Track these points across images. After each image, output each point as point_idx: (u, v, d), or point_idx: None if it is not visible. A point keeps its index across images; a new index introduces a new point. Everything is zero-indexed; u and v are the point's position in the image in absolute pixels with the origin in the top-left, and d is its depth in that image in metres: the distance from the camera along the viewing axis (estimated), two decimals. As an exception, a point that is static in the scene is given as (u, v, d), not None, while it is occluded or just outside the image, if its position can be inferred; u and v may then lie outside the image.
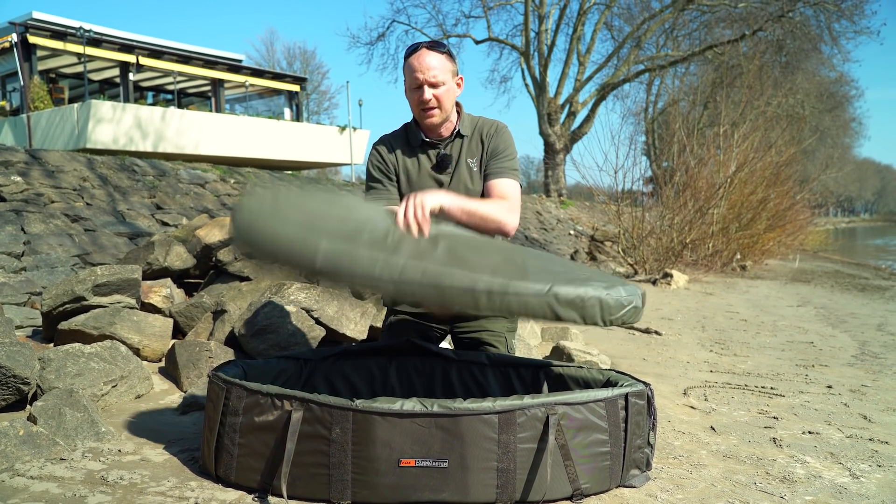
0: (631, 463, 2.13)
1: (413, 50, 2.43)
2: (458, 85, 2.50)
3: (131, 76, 18.51)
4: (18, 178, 8.17)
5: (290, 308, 3.45)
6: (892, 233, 53.25)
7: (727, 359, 4.66)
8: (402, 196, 2.53)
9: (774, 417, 3.14)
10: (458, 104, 2.57)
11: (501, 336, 2.67)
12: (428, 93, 2.40)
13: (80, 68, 17.76)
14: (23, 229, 7.25)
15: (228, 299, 3.89)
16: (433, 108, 2.43)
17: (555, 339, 4.75)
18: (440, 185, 2.53)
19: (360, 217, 2.21)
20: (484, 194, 2.53)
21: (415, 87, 2.42)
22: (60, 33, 16.76)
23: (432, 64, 2.38)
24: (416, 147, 2.56)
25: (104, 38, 17.75)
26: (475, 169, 2.54)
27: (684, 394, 3.58)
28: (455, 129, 2.54)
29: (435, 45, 2.42)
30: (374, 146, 2.61)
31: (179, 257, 4.60)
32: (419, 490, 1.90)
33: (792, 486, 2.26)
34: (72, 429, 2.32)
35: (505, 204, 2.45)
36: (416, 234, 2.12)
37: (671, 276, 9.52)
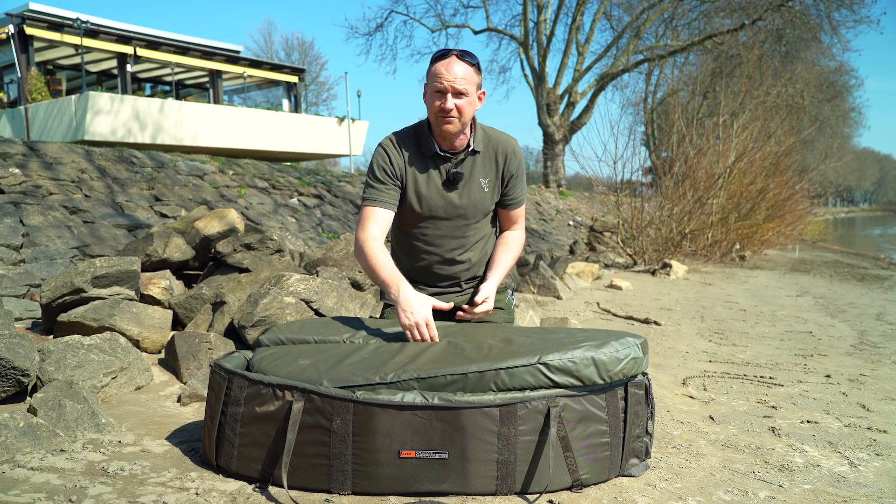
0: (630, 452, 2.13)
1: (442, 55, 2.36)
2: (480, 99, 2.44)
3: (129, 67, 18.44)
4: (17, 171, 8.15)
5: (289, 299, 3.45)
6: (891, 222, 53.27)
7: (726, 349, 4.67)
8: (403, 197, 2.50)
9: (773, 407, 3.14)
10: (473, 118, 2.50)
11: None
12: (451, 101, 2.34)
13: (77, 60, 17.69)
14: (21, 221, 7.24)
15: (228, 291, 3.89)
16: (453, 117, 2.36)
17: (554, 329, 4.75)
18: (448, 201, 2.51)
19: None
20: (497, 215, 2.68)
21: (437, 92, 2.36)
22: (57, 24, 16.68)
23: (460, 73, 2.33)
24: (428, 157, 2.49)
25: (101, 29, 17.68)
26: (487, 190, 2.53)
27: (683, 384, 3.59)
28: (468, 143, 2.49)
29: (465, 55, 2.36)
30: (384, 145, 2.52)
31: (178, 249, 4.60)
32: (419, 481, 1.91)
33: (790, 475, 2.27)
34: (72, 420, 2.33)
35: (518, 234, 2.68)
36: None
37: (670, 266, 9.52)
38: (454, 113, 2.36)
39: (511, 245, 2.64)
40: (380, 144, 2.53)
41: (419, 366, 2.01)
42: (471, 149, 2.49)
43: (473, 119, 2.50)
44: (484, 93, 2.46)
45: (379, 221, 2.45)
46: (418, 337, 2.22)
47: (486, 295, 2.48)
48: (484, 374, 1.97)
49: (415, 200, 2.50)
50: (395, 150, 2.49)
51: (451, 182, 2.49)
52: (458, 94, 2.34)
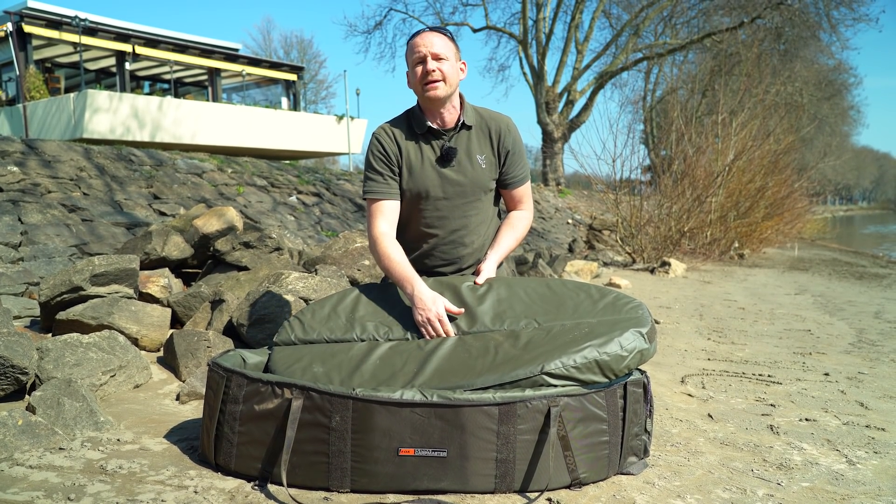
0: (629, 451, 2.13)
1: (416, 33, 2.44)
2: (462, 70, 2.48)
3: (127, 65, 18.42)
4: (15, 169, 8.14)
5: (288, 297, 3.45)
6: (889, 221, 53.31)
7: (725, 347, 4.67)
8: (402, 189, 2.50)
9: (772, 405, 3.15)
10: (460, 94, 2.51)
11: None
12: (432, 63, 2.36)
13: (75, 58, 17.65)
14: (20, 220, 7.23)
15: (226, 289, 3.89)
16: (437, 81, 2.38)
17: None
18: (444, 177, 2.49)
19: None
20: (502, 196, 2.66)
21: (417, 62, 2.40)
22: (56, 22, 16.66)
23: (436, 41, 2.39)
24: (420, 136, 2.50)
25: (100, 27, 17.65)
26: (484, 166, 2.51)
27: (682, 382, 3.59)
28: (460, 119, 2.49)
29: (437, 28, 2.44)
30: (376, 135, 2.52)
31: (177, 247, 4.59)
32: (418, 479, 1.91)
33: (789, 473, 2.27)
34: (70, 418, 2.33)
35: (525, 213, 2.66)
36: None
37: (669, 264, 9.52)
38: (437, 75, 2.37)
39: (516, 226, 2.62)
40: (373, 135, 2.54)
41: (426, 378, 2.02)
42: (462, 122, 2.49)
43: (462, 97, 2.51)
44: (465, 64, 2.50)
45: (386, 214, 2.47)
46: (433, 333, 2.24)
47: (486, 275, 2.46)
48: (487, 388, 1.99)
49: (411, 181, 2.49)
50: (388, 137, 2.50)
51: (445, 158, 2.47)
52: (438, 57, 2.37)
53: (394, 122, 2.55)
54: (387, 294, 2.43)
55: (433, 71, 2.36)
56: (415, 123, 2.50)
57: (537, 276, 6.32)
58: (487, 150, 2.52)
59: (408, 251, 2.52)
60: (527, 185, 2.64)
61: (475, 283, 2.43)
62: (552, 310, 2.29)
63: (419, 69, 2.40)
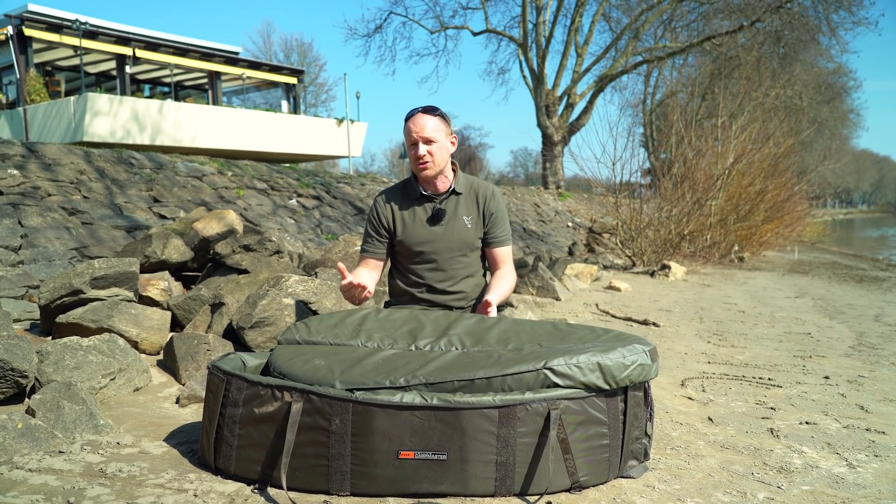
0: (629, 454, 2.13)
1: (411, 114, 2.78)
2: (452, 143, 2.83)
3: (128, 69, 18.43)
4: (15, 172, 8.14)
5: (287, 301, 3.45)
6: (889, 224, 53.31)
7: (725, 350, 4.67)
8: (398, 242, 2.88)
9: (772, 408, 3.15)
10: (453, 164, 2.88)
11: None
12: (423, 149, 2.73)
13: (76, 61, 17.66)
14: (20, 223, 7.23)
15: (226, 292, 3.89)
16: (427, 162, 2.75)
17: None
18: (435, 234, 2.83)
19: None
20: (486, 256, 2.98)
21: (412, 144, 2.76)
22: (56, 25, 16.67)
23: (427, 125, 2.74)
24: (414, 199, 2.87)
25: (100, 30, 17.66)
26: (470, 226, 2.87)
27: (682, 385, 3.59)
28: (450, 186, 2.86)
29: (429, 110, 2.77)
30: (375, 202, 2.92)
31: (177, 250, 4.59)
32: (418, 482, 1.91)
33: (789, 476, 2.27)
34: (70, 422, 2.33)
35: (508, 271, 2.93)
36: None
37: (669, 267, 9.52)
38: (427, 157, 2.74)
39: (504, 277, 2.89)
40: (374, 201, 2.94)
41: (429, 371, 2.02)
42: (452, 189, 2.85)
43: (455, 167, 2.89)
44: (455, 137, 2.87)
45: (367, 265, 2.93)
46: (354, 295, 2.65)
47: (491, 308, 2.67)
48: (491, 380, 1.98)
49: (405, 236, 2.86)
50: (384, 206, 2.90)
51: (435, 218, 2.84)
52: (428, 141, 2.73)
53: (391, 191, 2.94)
54: (396, 315, 2.53)
55: (423, 155, 2.74)
56: (409, 190, 2.90)
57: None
58: (474, 213, 2.88)
59: (406, 297, 2.94)
60: (509, 247, 2.96)
61: (487, 313, 2.64)
62: (556, 340, 2.30)
63: (413, 151, 2.76)
